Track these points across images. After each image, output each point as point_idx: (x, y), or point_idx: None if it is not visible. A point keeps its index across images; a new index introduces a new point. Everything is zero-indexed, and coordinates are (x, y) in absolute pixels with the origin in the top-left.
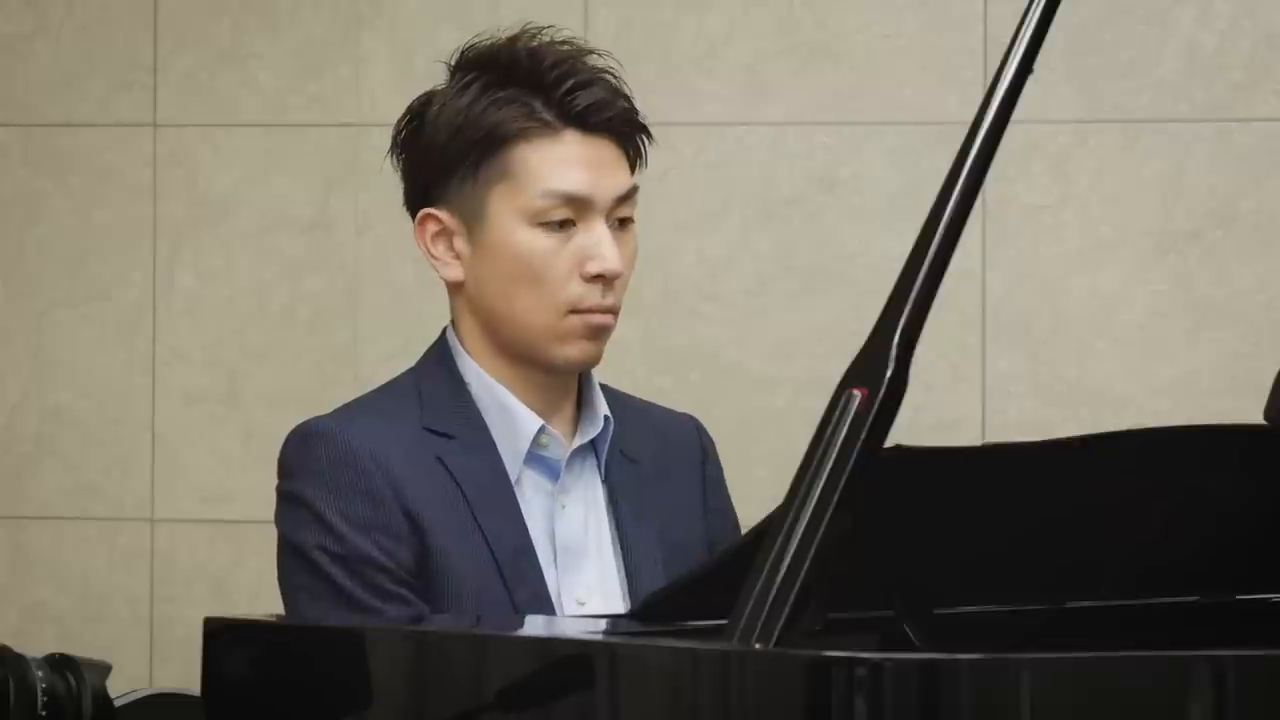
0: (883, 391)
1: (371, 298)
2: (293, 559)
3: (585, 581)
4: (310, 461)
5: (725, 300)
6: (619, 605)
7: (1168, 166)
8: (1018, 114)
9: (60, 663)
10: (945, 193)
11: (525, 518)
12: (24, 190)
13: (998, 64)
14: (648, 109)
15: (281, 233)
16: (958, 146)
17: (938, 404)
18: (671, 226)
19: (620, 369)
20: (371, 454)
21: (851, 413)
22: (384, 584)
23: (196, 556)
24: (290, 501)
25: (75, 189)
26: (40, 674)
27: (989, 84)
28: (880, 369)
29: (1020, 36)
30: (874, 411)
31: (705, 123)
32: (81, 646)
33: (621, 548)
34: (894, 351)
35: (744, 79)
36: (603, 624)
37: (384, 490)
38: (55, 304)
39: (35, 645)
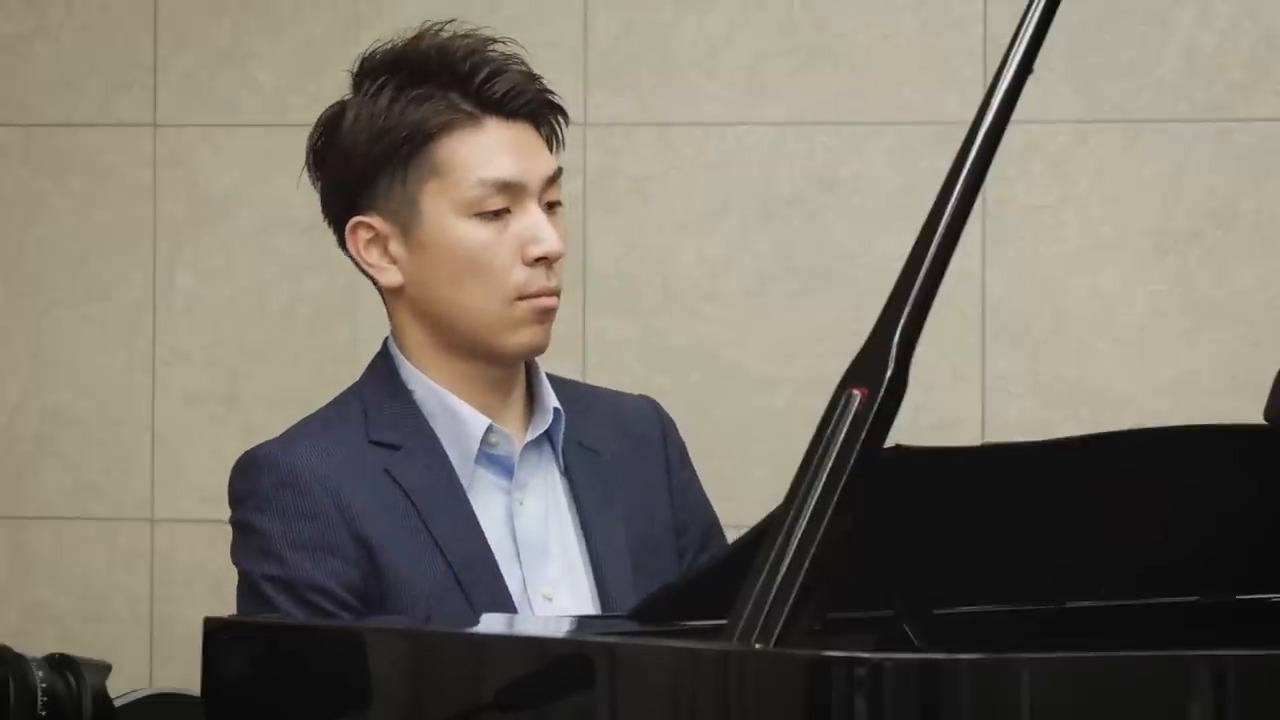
0: (882, 391)
1: (371, 298)
2: (245, 590)
3: (550, 577)
4: (255, 490)
5: (725, 300)
6: (586, 598)
7: (1168, 166)
8: (1018, 114)
9: (60, 663)
10: (945, 193)
11: (482, 519)
12: (24, 190)
13: (998, 64)
14: (649, 109)
15: (281, 233)
16: (958, 146)
17: (938, 404)
18: (671, 226)
19: (620, 369)
20: (316, 475)
21: (851, 412)
22: (326, 607)
23: (196, 556)
24: (239, 529)
25: (75, 189)
26: (40, 674)
27: (989, 84)
28: (880, 369)
29: (1020, 36)
30: (874, 411)
31: (705, 123)
32: (81, 646)
33: (586, 540)
34: (894, 351)
35: (744, 79)
36: (601, 624)
37: (330, 511)
38: (55, 304)
39: (35, 645)
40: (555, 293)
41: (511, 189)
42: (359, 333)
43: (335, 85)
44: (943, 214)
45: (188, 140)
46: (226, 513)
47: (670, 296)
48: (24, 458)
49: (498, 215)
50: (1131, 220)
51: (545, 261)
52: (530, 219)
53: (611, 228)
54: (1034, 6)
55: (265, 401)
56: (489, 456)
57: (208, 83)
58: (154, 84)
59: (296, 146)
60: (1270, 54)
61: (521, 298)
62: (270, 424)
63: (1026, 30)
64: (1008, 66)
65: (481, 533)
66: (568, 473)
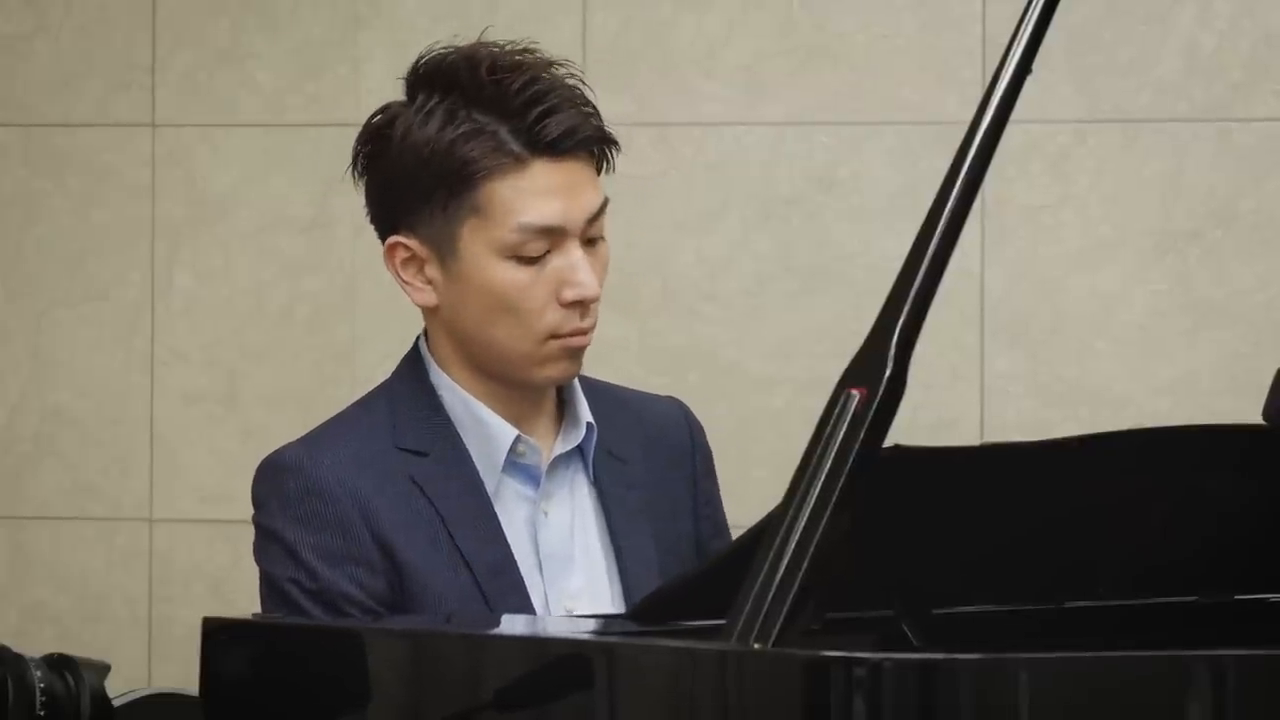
0: (881, 391)
1: (370, 297)
2: (268, 590)
3: (572, 589)
4: (279, 494)
5: (725, 300)
6: (610, 611)
7: (1168, 166)
8: (1018, 114)
9: (59, 663)
10: (944, 192)
11: (506, 528)
12: (24, 190)
13: (997, 64)
14: (647, 109)
15: (280, 233)
16: (957, 146)
17: (937, 404)
18: (671, 226)
19: (619, 369)
20: (341, 483)
21: (850, 412)
22: (354, 615)
23: (195, 556)
24: (263, 534)
25: (74, 189)
26: (39, 674)
27: (988, 84)
28: (879, 368)
29: (1019, 36)
30: (873, 411)
31: (705, 123)
32: (80, 646)
33: (615, 551)
34: (893, 351)
35: (743, 79)
36: (600, 624)
37: (355, 520)
38: (55, 304)
39: (34, 645)
40: (588, 331)
41: (551, 233)
42: (358, 333)
43: (334, 85)
44: (942, 214)
45: (186, 140)
46: (225, 513)
47: (669, 296)
48: (23, 458)
49: (536, 257)
50: (1131, 220)
51: (580, 304)
52: (569, 260)
53: (610, 228)
54: (1033, 6)
55: (264, 401)
56: (516, 465)
57: (206, 83)
58: (152, 84)
59: (295, 146)
60: (1270, 54)
61: (553, 337)
62: (269, 424)
63: (1026, 30)
64: (1007, 66)
65: (506, 544)
66: (597, 483)
